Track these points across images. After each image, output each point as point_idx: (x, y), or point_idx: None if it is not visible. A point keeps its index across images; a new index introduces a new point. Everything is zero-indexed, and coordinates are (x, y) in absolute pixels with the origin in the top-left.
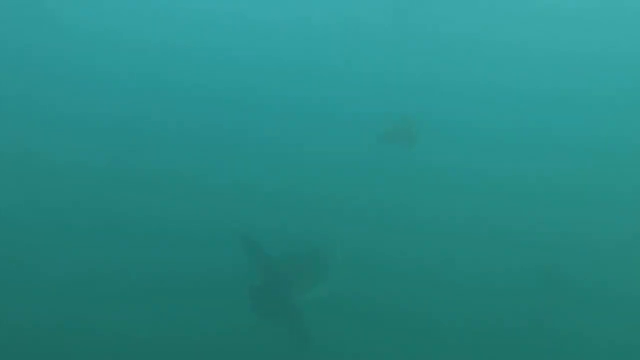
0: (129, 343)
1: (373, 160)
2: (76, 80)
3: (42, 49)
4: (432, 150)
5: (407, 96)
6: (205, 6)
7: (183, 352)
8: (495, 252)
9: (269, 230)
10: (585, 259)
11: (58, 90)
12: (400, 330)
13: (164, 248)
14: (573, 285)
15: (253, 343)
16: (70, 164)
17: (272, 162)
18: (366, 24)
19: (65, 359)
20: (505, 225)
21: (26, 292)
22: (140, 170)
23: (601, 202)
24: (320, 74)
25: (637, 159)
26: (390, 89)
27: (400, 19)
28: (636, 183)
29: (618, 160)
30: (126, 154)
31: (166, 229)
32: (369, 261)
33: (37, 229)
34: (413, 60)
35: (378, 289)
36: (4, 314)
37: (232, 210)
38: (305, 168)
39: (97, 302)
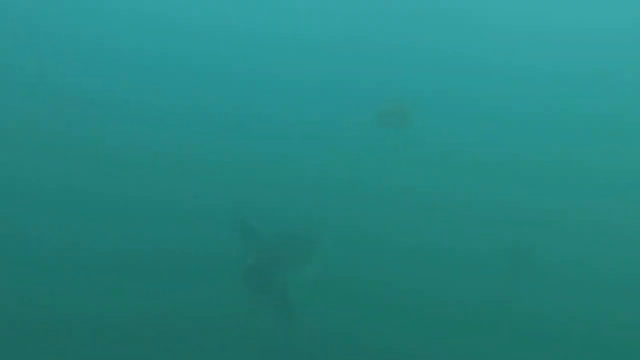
0: (120, 320)
1: (364, 141)
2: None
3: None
4: (422, 131)
5: (405, 75)
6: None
7: (174, 329)
8: (468, 229)
9: (260, 210)
10: (555, 237)
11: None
12: (383, 308)
13: (157, 226)
14: (541, 264)
15: (243, 321)
16: (57, 139)
17: (266, 142)
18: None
19: (55, 334)
20: (477, 203)
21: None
22: (131, 148)
23: (572, 183)
24: (317, 50)
25: (610, 140)
26: (389, 68)
27: None
28: (607, 166)
29: (590, 142)
30: (118, 132)
31: (160, 207)
32: (357, 241)
33: (21, 204)
34: (413, 35)
35: (364, 268)
36: None
37: (226, 189)
38: (299, 148)
39: (84, 280)
